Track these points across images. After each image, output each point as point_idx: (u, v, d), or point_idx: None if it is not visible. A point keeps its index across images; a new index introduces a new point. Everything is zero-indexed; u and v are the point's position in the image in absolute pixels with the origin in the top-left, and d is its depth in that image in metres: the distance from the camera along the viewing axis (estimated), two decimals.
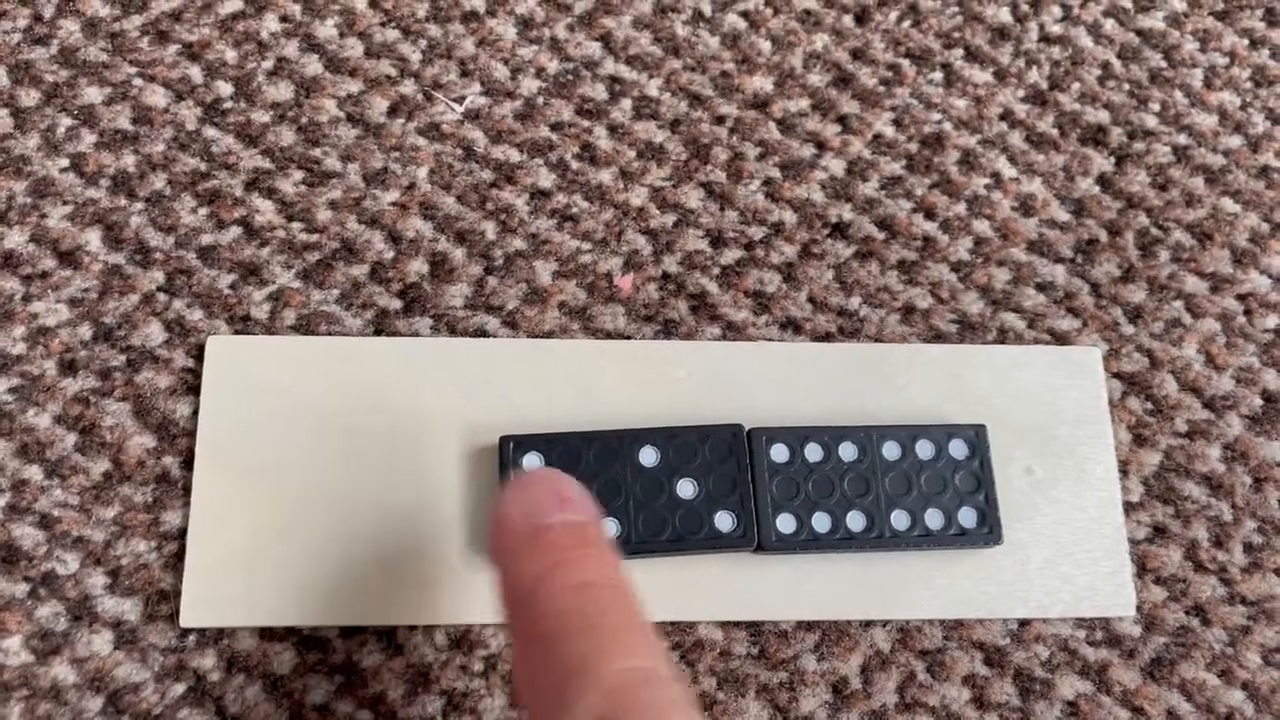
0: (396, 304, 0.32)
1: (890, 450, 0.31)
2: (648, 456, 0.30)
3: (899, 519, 0.30)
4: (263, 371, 0.31)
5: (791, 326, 0.33)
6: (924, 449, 0.31)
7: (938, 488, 0.30)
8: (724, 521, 0.29)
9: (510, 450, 0.29)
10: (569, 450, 0.30)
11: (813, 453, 0.30)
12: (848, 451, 0.30)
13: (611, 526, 0.29)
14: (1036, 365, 0.33)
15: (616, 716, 0.21)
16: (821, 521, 0.30)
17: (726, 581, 0.30)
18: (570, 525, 0.24)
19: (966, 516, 0.30)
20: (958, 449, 0.31)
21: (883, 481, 0.30)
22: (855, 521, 0.30)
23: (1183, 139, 0.37)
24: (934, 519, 0.30)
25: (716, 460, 0.30)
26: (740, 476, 0.30)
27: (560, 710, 0.21)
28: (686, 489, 0.30)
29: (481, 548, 0.30)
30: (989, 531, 0.30)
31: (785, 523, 0.30)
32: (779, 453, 0.30)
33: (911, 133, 0.36)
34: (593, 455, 0.30)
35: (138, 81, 0.33)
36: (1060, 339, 0.34)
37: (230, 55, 0.34)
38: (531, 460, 0.29)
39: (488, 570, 0.27)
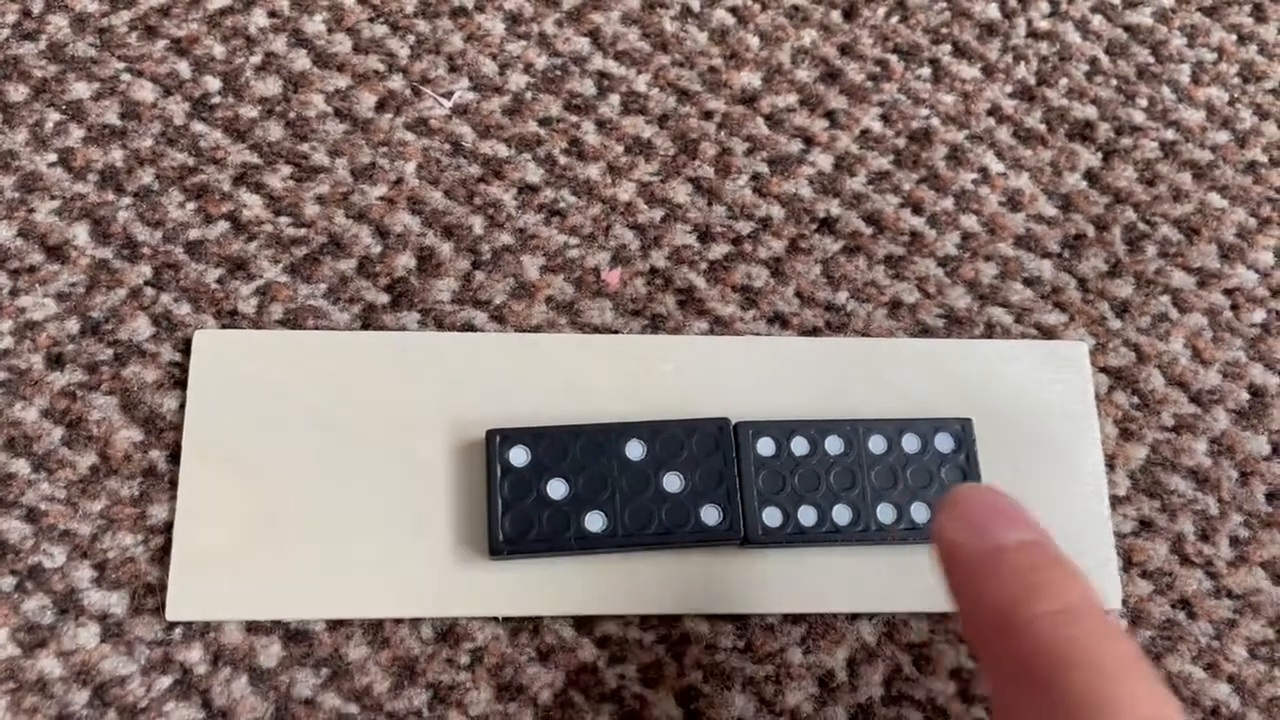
0: (384, 298, 0.32)
1: (876, 444, 0.31)
2: (634, 450, 0.30)
3: (885, 512, 0.30)
4: (250, 365, 0.31)
5: (779, 321, 0.33)
6: (910, 443, 0.31)
7: (924, 481, 0.30)
8: (710, 515, 0.30)
9: (497, 443, 0.29)
10: (555, 444, 0.30)
11: (799, 446, 0.30)
12: (834, 445, 0.31)
13: (597, 520, 0.29)
14: (1023, 360, 0.33)
15: None
16: (807, 515, 0.30)
17: (713, 575, 0.30)
18: (1029, 544, 0.23)
19: None
20: (944, 442, 0.31)
21: (869, 475, 0.30)
22: (841, 515, 0.30)
23: (1170, 134, 0.37)
24: (920, 513, 0.30)
25: (703, 454, 0.30)
26: (727, 470, 0.30)
27: None
28: (673, 482, 0.30)
29: (469, 542, 0.30)
30: None
31: (771, 516, 0.30)
32: (765, 446, 0.30)
33: (899, 128, 0.36)
34: (579, 449, 0.30)
35: (126, 77, 0.34)
36: (1047, 333, 0.34)
37: (218, 50, 0.34)
38: (518, 454, 0.29)
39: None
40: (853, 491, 0.30)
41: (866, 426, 0.31)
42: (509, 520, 0.29)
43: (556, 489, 0.29)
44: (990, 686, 0.23)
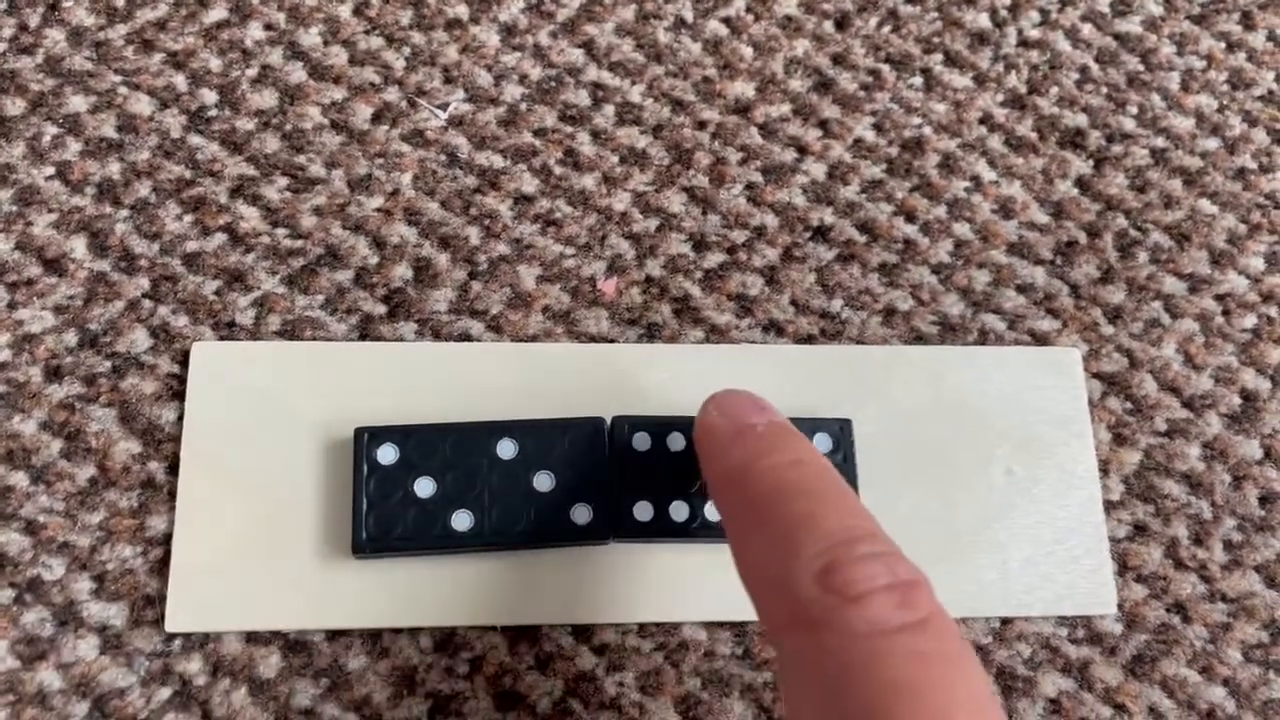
0: (381, 309, 0.32)
1: None
2: (506, 449, 0.30)
3: None
4: (247, 377, 0.31)
5: (774, 329, 0.33)
6: None
7: None
8: (581, 515, 0.29)
9: (365, 441, 0.29)
10: (425, 442, 0.29)
11: (675, 442, 0.30)
12: None
13: (464, 519, 0.29)
14: (1017, 366, 0.33)
15: (840, 564, 0.22)
16: (679, 510, 0.30)
17: (711, 581, 0.30)
18: (774, 423, 0.26)
19: None
20: (822, 443, 0.31)
21: None
22: (713, 511, 0.30)
23: (1160, 141, 0.37)
24: None
25: (576, 453, 0.30)
26: (600, 470, 0.30)
27: (785, 561, 0.22)
28: (544, 482, 0.30)
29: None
30: None
31: (642, 511, 0.30)
32: (640, 441, 0.30)
33: (892, 137, 0.36)
34: (449, 447, 0.29)
35: (123, 90, 0.34)
36: (1040, 340, 0.34)
37: (215, 63, 0.34)
38: (386, 452, 0.29)
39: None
40: None
41: None
42: (373, 519, 0.29)
43: (424, 487, 0.29)
44: (730, 536, 0.25)
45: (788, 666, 0.23)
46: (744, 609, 0.30)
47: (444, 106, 0.35)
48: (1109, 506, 0.33)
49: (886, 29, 0.38)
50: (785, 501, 0.24)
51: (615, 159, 0.35)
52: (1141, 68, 0.38)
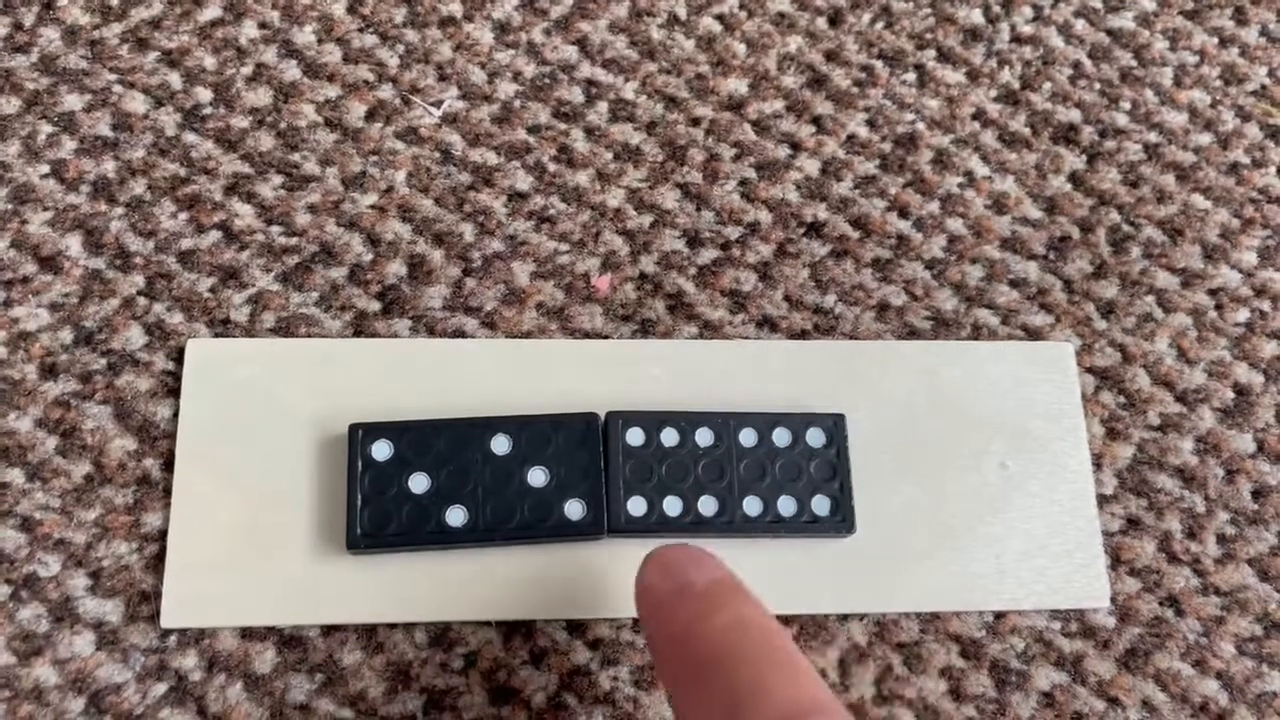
0: (375, 306, 0.32)
1: (747, 437, 0.31)
2: (500, 445, 0.30)
3: (751, 505, 0.30)
4: (242, 373, 0.31)
5: (768, 325, 0.34)
6: (781, 436, 0.31)
7: (792, 475, 0.30)
8: (574, 510, 0.29)
9: (359, 437, 0.29)
10: (419, 438, 0.29)
11: (668, 437, 0.30)
12: (704, 437, 0.30)
13: (458, 515, 0.29)
14: (1010, 360, 0.33)
15: None
16: (673, 505, 0.30)
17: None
18: (715, 579, 0.25)
19: (820, 505, 0.30)
20: (815, 437, 0.31)
21: (737, 468, 0.30)
22: (707, 506, 0.30)
23: (1153, 137, 0.37)
24: (787, 506, 0.30)
25: (570, 449, 0.30)
26: (593, 465, 0.30)
27: None
28: (538, 477, 0.30)
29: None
30: (842, 520, 0.30)
31: (636, 505, 0.30)
32: (634, 436, 0.30)
33: (885, 133, 0.36)
34: (443, 443, 0.29)
35: (117, 88, 0.34)
36: (1033, 335, 0.34)
37: (209, 62, 0.34)
38: (381, 448, 0.29)
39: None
40: (720, 483, 0.30)
41: (738, 419, 0.31)
42: (367, 515, 0.29)
43: (418, 483, 0.29)
44: (674, 704, 0.24)
45: None
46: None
47: (438, 104, 0.35)
48: (1102, 500, 0.33)
49: (879, 25, 0.38)
50: (730, 668, 0.22)
51: (609, 156, 0.35)
52: (1134, 63, 0.38)
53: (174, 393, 0.31)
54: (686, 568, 0.25)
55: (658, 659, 0.25)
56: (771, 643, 0.23)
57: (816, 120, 0.36)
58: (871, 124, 0.36)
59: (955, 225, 0.35)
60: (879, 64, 0.37)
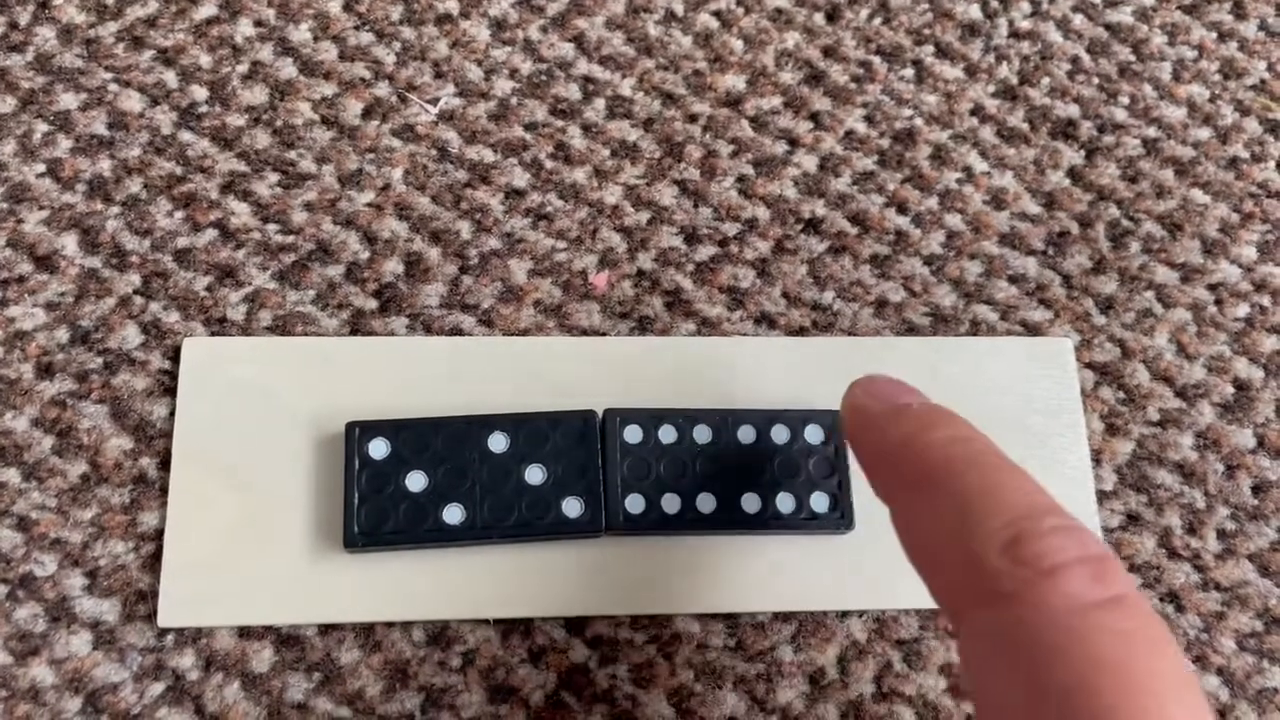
0: (372, 304, 0.32)
1: (745, 434, 0.31)
2: (497, 443, 0.30)
3: (750, 502, 0.30)
4: (239, 372, 0.31)
5: (766, 321, 0.33)
6: (779, 433, 0.31)
7: (791, 472, 0.30)
8: (572, 507, 0.29)
9: (356, 435, 0.29)
10: (416, 436, 0.29)
11: (666, 434, 0.30)
12: (702, 434, 0.30)
13: (455, 513, 0.29)
14: (1009, 356, 0.33)
15: (1029, 535, 0.21)
16: (671, 503, 0.30)
17: (703, 573, 0.30)
18: (927, 403, 0.26)
19: (819, 501, 0.30)
20: (813, 434, 0.31)
21: (736, 465, 0.30)
22: (705, 504, 0.30)
23: (1152, 131, 0.37)
24: (785, 503, 0.30)
25: (567, 446, 0.30)
26: (590, 463, 0.30)
27: (965, 535, 0.21)
28: (535, 475, 0.30)
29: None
30: (840, 517, 0.30)
31: (634, 503, 0.30)
32: (632, 434, 0.30)
33: (883, 129, 0.36)
34: (440, 441, 0.29)
35: (113, 87, 0.34)
36: (1032, 330, 0.34)
37: (205, 60, 0.34)
38: (378, 446, 0.29)
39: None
40: (718, 480, 0.30)
41: (736, 416, 0.31)
42: (364, 513, 0.29)
43: (416, 481, 0.29)
44: (893, 514, 0.24)
45: (975, 642, 0.21)
46: (737, 601, 0.30)
47: (434, 101, 0.35)
48: (1102, 496, 0.33)
49: (877, 21, 0.38)
50: (957, 475, 0.22)
51: (606, 152, 0.35)
52: (1133, 58, 0.38)
53: (170, 392, 0.31)
54: (899, 392, 0.26)
55: (872, 475, 0.25)
56: (996, 453, 0.23)
57: (814, 116, 0.36)
58: (869, 120, 0.36)
59: (954, 221, 0.35)
60: (877, 60, 0.37)
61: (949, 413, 0.25)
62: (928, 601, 0.28)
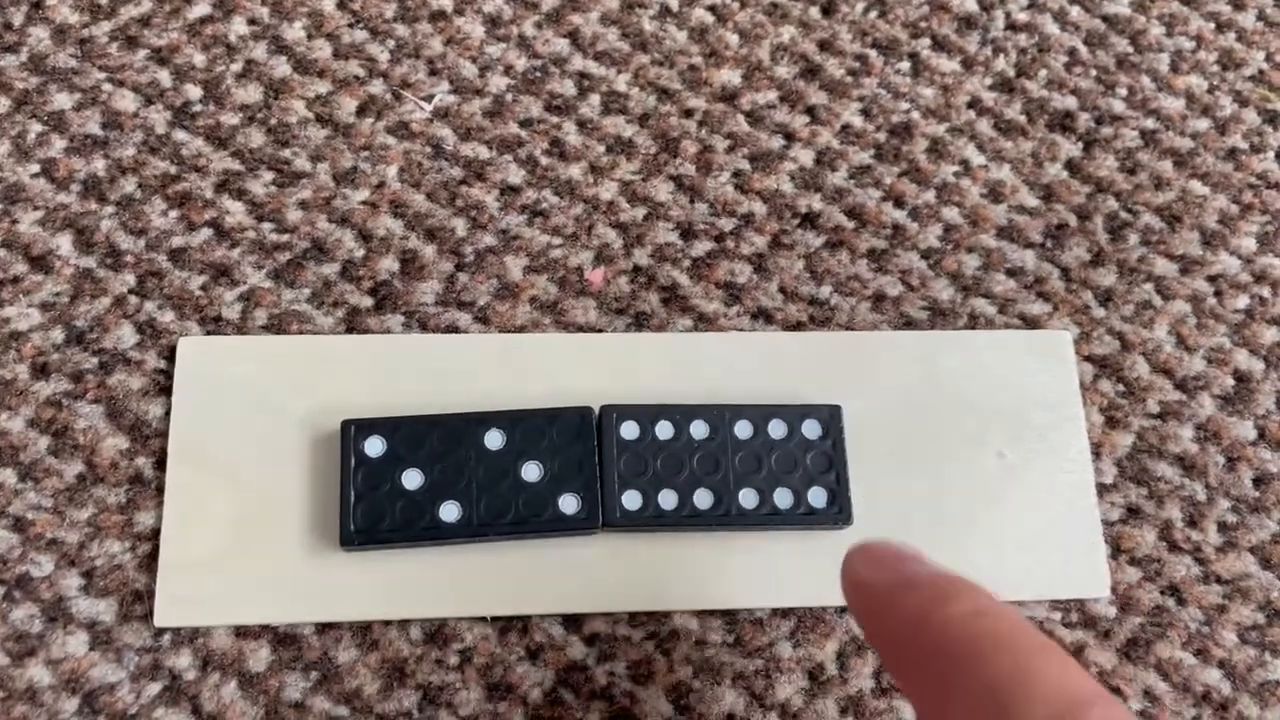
0: (368, 302, 0.32)
1: (742, 429, 0.30)
2: (493, 440, 0.30)
3: (747, 498, 0.30)
4: (234, 371, 0.31)
5: (763, 316, 0.33)
6: (776, 429, 0.31)
7: (788, 467, 0.30)
8: (569, 504, 0.29)
9: (352, 433, 0.29)
10: (412, 434, 0.29)
11: (663, 430, 0.30)
12: (699, 430, 0.30)
13: (452, 510, 0.29)
14: (1008, 350, 0.33)
15: None
16: (668, 499, 0.30)
17: (701, 570, 0.30)
18: (937, 571, 0.23)
19: (816, 496, 0.30)
20: (811, 429, 0.31)
21: (733, 460, 0.30)
22: (702, 499, 0.30)
23: (1150, 123, 0.37)
24: (783, 498, 0.30)
25: (564, 443, 0.30)
26: (587, 460, 0.30)
27: None
28: (532, 472, 0.29)
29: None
30: (839, 511, 0.30)
31: (631, 499, 0.30)
32: (629, 430, 0.30)
33: (880, 122, 0.36)
34: (436, 439, 0.29)
35: (107, 87, 0.34)
36: (1031, 323, 0.34)
37: (199, 59, 0.34)
38: (374, 444, 0.29)
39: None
40: (715, 476, 0.30)
41: (733, 412, 0.30)
42: (361, 511, 0.29)
43: (412, 479, 0.29)
44: (913, 701, 0.22)
45: None
46: (735, 597, 0.30)
47: (429, 98, 0.35)
48: (1102, 489, 0.32)
49: (873, 14, 0.37)
50: (987, 657, 0.20)
51: (602, 148, 0.35)
52: (1130, 49, 0.38)
53: (166, 391, 0.31)
54: (901, 559, 0.24)
55: (887, 657, 0.23)
56: (1024, 628, 0.21)
57: (810, 110, 0.36)
58: (866, 113, 0.36)
59: (951, 214, 0.35)
60: (873, 53, 0.37)
61: (963, 581, 0.23)
62: None
